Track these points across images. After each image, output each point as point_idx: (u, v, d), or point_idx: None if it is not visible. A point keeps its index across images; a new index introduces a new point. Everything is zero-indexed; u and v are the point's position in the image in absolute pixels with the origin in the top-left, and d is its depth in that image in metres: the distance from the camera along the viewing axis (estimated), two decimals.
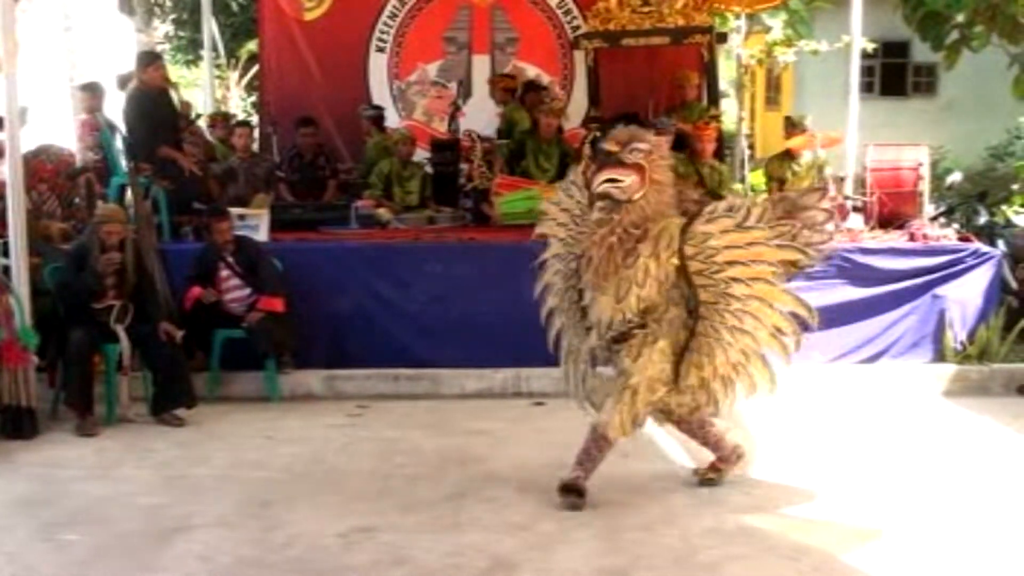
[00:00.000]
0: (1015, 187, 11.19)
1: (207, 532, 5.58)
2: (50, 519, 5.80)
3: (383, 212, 9.88)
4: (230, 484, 6.38)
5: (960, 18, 18.98)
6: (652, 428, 6.89)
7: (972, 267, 8.80)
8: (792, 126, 11.20)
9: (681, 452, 6.83)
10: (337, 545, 5.38)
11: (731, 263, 5.54)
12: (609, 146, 5.57)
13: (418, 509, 5.85)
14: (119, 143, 10.12)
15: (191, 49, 20.87)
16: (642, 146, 5.56)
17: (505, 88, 11.80)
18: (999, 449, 7.00)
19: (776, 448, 6.96)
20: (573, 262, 5.93)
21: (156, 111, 9.87)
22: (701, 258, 5.58)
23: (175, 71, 18.34)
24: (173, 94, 10.35)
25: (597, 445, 5.82)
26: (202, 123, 12.44)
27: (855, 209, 9.96)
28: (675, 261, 5.57)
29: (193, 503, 6.02)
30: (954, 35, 19.22)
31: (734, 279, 5.55)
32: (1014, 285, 9.40)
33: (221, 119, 12.48)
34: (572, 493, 5.76)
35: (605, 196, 5.55)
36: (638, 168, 5.53)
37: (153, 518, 5.80)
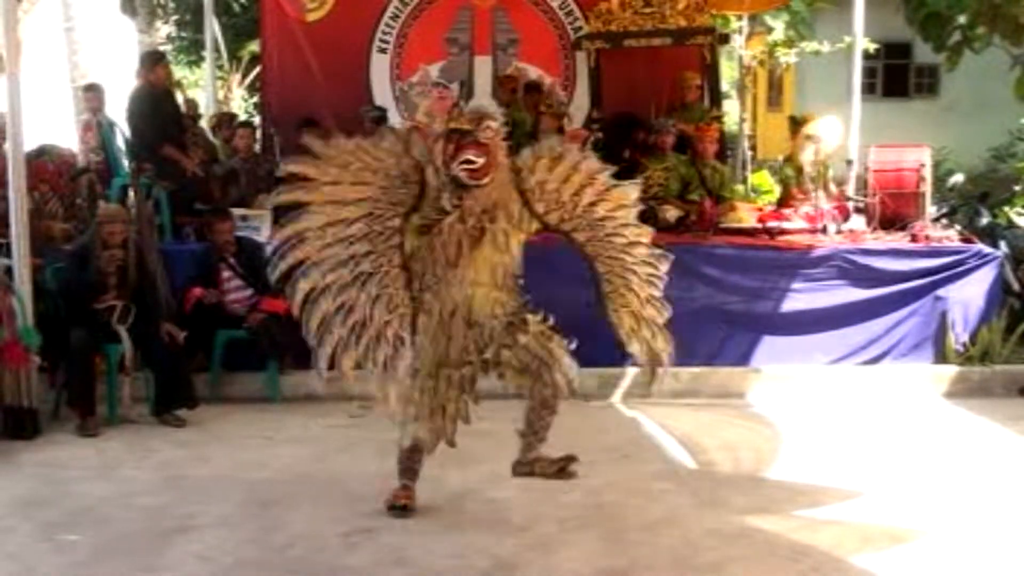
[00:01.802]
0: (1017, 188, 11.18)
1: (208, 532, 5.58)
2: (51, 519, 5.81)
3: None
4: (231, 484, 6.38)
5: (962, 19, 19.00)
6: (654, 430, 6.92)
7: (974, 268, 8.80)
8: (797, 125, 11.20)
9: (682, 452, 6.83)
10: (338, 546, 5.38)
11: (578, 192, 5.36)
12: (464, 124, 5.23)
13: (420, 510, 5.85)
14: (120, 143, 10.13)
15: (193, 50, 20.87)
16: (494, 124, 5.26)
17: (512, 89, 11.83)
18: (1001, 451, 6.99)
19: (778, 449, 6.96)
20: (388, 233, 5.26)
21: (160, 110, 9.89)
22: (554, 205, 5.35)
23: (177, 72, 18.32)
24: (178, 94, 10.36)
25: (552, 411, 5.58)
26: (204, 124, 12.45)
27: (857, 210, 9.96)
28: (536, 226, 5.39)
29: (194, 503, 6.02)
30: (956, 36, 19.24)
31: (590, 204, 5.38)
32: (1016, 286, 9.38)
33: (226, 120, 12.49)
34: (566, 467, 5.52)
35: (466, 180, 5.21)
36: (489, 148, 5.23)
37: (154, 518, 5.80)
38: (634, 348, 5.60)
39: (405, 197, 5.22)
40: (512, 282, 5.45)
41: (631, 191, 5.51)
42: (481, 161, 5.17)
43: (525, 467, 5.56)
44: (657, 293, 5.57)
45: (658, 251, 5.58)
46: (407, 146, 5.27)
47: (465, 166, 5.15)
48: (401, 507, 5.65)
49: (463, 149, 5.16)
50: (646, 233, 5.54)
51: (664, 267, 5.57)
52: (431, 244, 5.27)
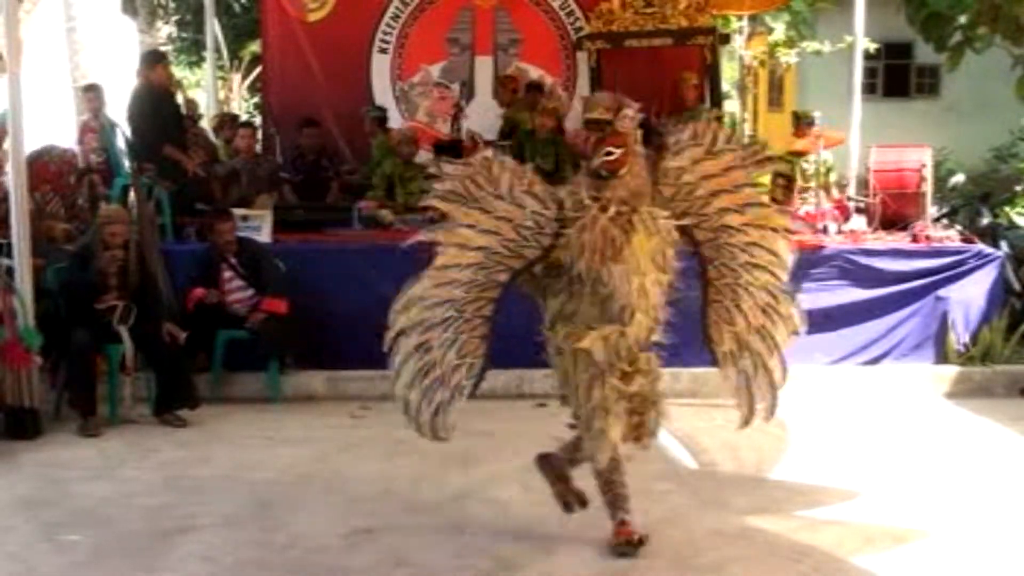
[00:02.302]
0: (1018, 188, 11.18)
1: (209, 533, 5.58)
2: (52, 519, 5.81)
3: (386, 213, 9.87)
4: (232, 485, 6.38)
5: (963, 19, 19.00)
6: None
7: (975, 268, 8.79)
8: (800, 122, 11.22)
9: (683, 452, 6.82)
10: (339, 546, 5.38)
11: (714, 194, 5.12)
12: (602, 113, 5.01)
13: (420, 510, 5.85)
14: (121, 144, 10.13)
15: (194, 50, 20.86)
16: (630, 112, 5.05)
17: (514, 89, 11.83)
18: (1002, 451, 6.99)
19: (779, 450, 6.96)
20: (490, 286, 5.03)
21: (161, 110, 9.90)
22: (681, 196, 5.11)
23: (178, 72, 18.33)
24: (178, 95, 10.36)
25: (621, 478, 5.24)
26: (205, 124, 12.45)
27: (858, 210, 9.96)
28: (674, 230, 5.03)
29: (195, 504, 6.02)
30: (957, 36, 19.24)
31: (724, 209, 5.13)
32: (1017, 287, 9.39)
33: (228, 120, 12.49)
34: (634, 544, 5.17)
35: (605, 172, 4.97)
36: (626, 138, 5.02)
37: (155, 518, 5.80)
38: (728, 375, 5.31)
39: (527, 252, 4.99)
40: (673, 266, 5.09)
41: (780, 217, 5.32)
42: (619, 152, 4.96)
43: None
44: (774, 330, 5.29)
45: (787, 289, 5.31)
46: (559, 204, 5.01)
47: (605, 158, 4.93)
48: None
49: (602, 142, 4.95)
50: (782, 265, 5.27)
51: (790, 309, 5.29)
52: (578, 246, 4.94)
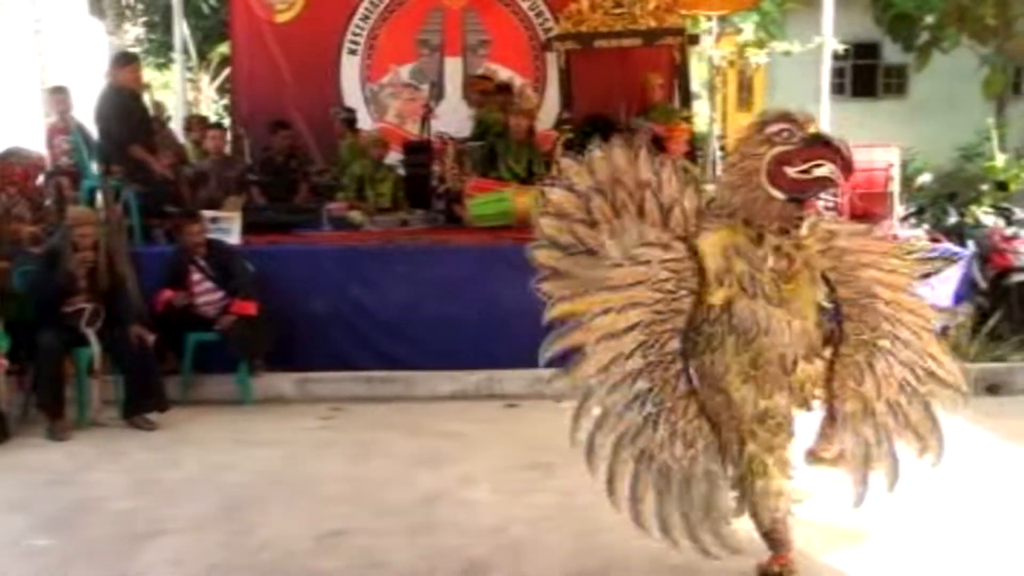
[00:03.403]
0: (984, 187, 11.23)
1: (179, 537, 5.54)
2: (20, 524, 5.76)
3: (356, 214, 9.87)
4: (202, 488, 6.34)
5: (930, 20, 19.14)
6: None
7: (942, 267, 8.84)
8: None
9: None
10: (310, 549, 5.35)
11: (866, 265, 4.62)
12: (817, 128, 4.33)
13: (392, 512, 5.84)
14: (89, 145, 10.07)
15: (162, 51, 20.75)
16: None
17: (482, 91, 11.81)
18: (969, 448, 7.01)
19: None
20: (666, 362, 4.41)
21: (129, 111, 9.84)
22: (830, 256, 4.56)
23: (147, 74, 18.23)
24: (146, 96, 10.31)
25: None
26: (174, 125, 12.39)
27: (827, 209, 9.99)
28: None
29: (165, 507, 5.99)
30: (924, 36, 19.39)
31: (875, 280, 4.63)
32: (983, 285, 9.44)
33: (197, 122, 12.45)
34: None
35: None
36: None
37: (125, 523, 5.76)
38: (844, 439, 4.81)
39: (682, 305, 4.36)
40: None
41: (938, 315, 4.86)
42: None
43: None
44: (909, 410, 4.80)
45: (930, 370, 4.80)
46: (665, 221, 4.47)
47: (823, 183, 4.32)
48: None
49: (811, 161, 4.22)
50: (938, 350, 4.80)
51: (931, 394, 4.83)
52: (742, 285, 4.34)
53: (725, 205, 4.40)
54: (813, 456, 4.93)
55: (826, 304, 4.53)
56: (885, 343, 4.68)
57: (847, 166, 4.17)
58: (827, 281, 4.56)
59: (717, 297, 4.34)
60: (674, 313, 4.37)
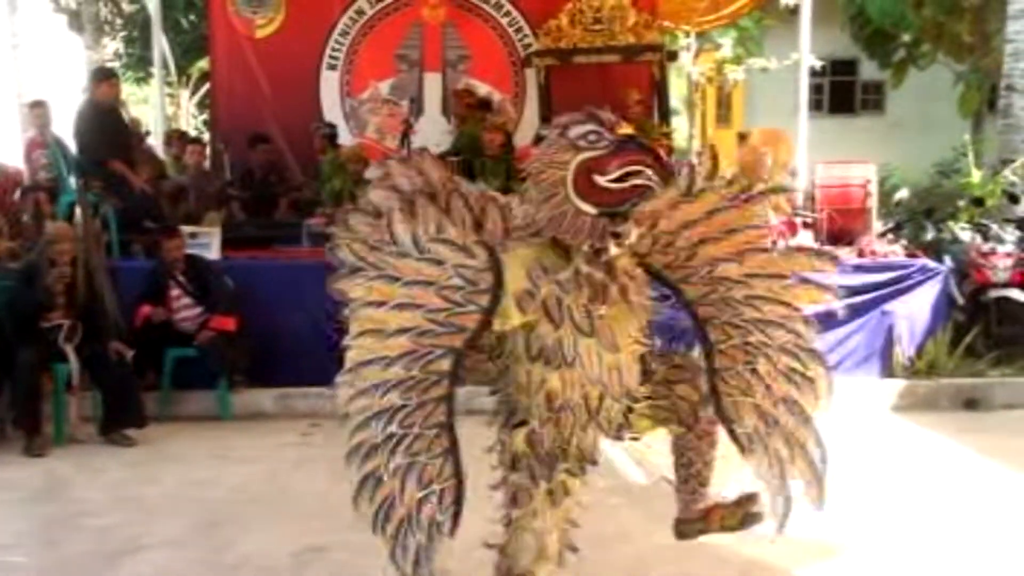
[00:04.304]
0: (961, 203, 11.29)
1: (157, 553, 5.52)
2: None
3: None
4: (181, 504, 6.32)
5: (906, 37, 19.28)
6: (606, 444, 6.89)
7: (920, 283, 8.90)
8: (744, 142, 11.30)
9: (633, 467, 6.82)
10: (289, 564, 5.34)
11: (701, 242, 4.04)
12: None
13: (370, 529, 5.81)
14: (68, 160, 10.04)
15: (141, 66, 20.74)
16: None
17: (467, 104, 11.83)
18: (947, 463, 7.05)
19: (728, 463, 6.97)
20: (429, 383, 3.75)
21: (106, 126, 9.83)
22: (659, 249, 4.03)
23: (125, 88, 18.20)
24: (123, 112, 10.30)
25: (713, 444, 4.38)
26: (153, 140, 12.37)
27: (805, 225, 10.03)
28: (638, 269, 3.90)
29: (143, 524, 5.96)
30: (901, 53, 19.52)
31: (716, 259, 4.05)
32: (960, 300, 9.49)
33: (177, 137, 12.43)
34: None
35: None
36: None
37: (103, 539, 5.73)
38: (755, 462, 4.26)
39: (466, 322, 3.68)
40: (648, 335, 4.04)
41: (788, 260, 4.16)
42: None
43: (696, 525, 4.44)
44: (802, 397, 4.15)
45: (812, 347, 4.15)
46: (477, 223, 3.78)
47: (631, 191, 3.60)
48: None
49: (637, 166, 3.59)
50: (801, 319, 4.13)
51: (818, 369, 4.12)
52: (557, 309, 3.71)
53: (531, 223, 3.74)
54: (686, 524, 4.45)
55: (645, 339, 3.96)
56: (757, 336, 4.11)
57: (665, 171, 3.57)
58: (668, 283, 4.09)
59: (512, 322, 3.72)
60: (454, 329, 3.68)
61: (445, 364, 3.70)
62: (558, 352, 3.74)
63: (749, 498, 4.36)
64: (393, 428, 3.76)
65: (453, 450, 3.79)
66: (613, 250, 3.64)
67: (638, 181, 3.51)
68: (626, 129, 3.60)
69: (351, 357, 3.81)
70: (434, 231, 3.68)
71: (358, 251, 3.75)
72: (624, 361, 3.85)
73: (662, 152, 3.65)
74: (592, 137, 3.57)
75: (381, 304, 3.72)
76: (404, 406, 3.74)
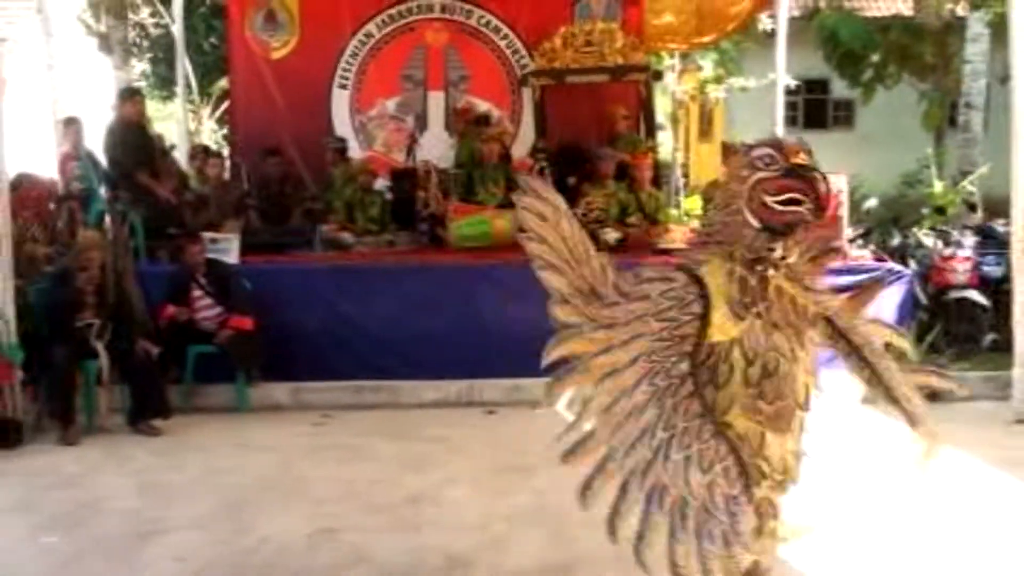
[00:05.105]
0: (924, 211, 11.34)
1: (181, 535, 5.53)
2: (34, 523, 5.75)
3: (346, 236, 9.88)
4: (203, 489, 6.33)
5: (875, 58, 19.31)
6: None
7: (887, 285, 8.90)
8: (729, 152, 11.30)
9: None
10: (303, 546, 5.35)
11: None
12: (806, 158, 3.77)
13: (379, 511, 5.84)
14: (98, 172, 10.07)
15: (166, 86, 20.71)
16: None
17: (467, 120, 11.87)
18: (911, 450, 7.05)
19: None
20: (675, 386, 3.63)
21: (132, 141, 9.85)
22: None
23: (151, 106, 18.22)
24: (148, 127, 10.32)
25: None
26: (178, 154, 12.38)
27: None
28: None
29: (168, 507, 5.98)
30: (869, 73, 19.55)
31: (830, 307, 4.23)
32: (924, 301, 9.52)
33: (201, 151, 12.44)
34: None
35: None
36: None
37: (130, 522, 5.75)
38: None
39: (687, 330, 3.66)
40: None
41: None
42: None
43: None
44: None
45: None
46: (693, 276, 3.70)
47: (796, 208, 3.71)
48: None
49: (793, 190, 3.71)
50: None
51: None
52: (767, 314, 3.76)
53: (713, 228, 3.84)
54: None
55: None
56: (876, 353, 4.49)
57: (820, 204, 3.66)
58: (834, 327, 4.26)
59: (733, 331, 3.71)
60: (680, 338, 3.66)
61: (683, 366, 3.65)
62: (771, 347, 3.84)
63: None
64: (660, 434, 3.64)
65: (720, 431, 3.65)
66: (770, 271, 3.71)
67: (795, 208, 3.63)
68: (801, 158, 3.70)
69: (598, 405, 3.74)
70: (631, 279, 3.77)
71: (570, 313, 3.92)
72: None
73: (822, 184, 3.70)
74: (768, 160, 3.68)
75: (607, 350, 3.74)
76: (660, 414, 3.64)
